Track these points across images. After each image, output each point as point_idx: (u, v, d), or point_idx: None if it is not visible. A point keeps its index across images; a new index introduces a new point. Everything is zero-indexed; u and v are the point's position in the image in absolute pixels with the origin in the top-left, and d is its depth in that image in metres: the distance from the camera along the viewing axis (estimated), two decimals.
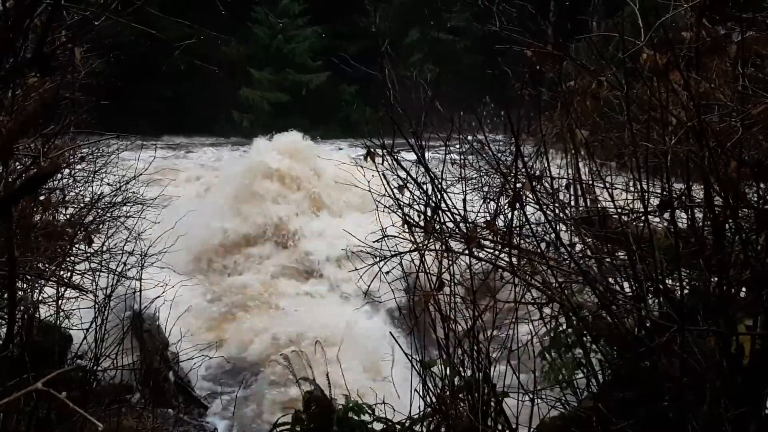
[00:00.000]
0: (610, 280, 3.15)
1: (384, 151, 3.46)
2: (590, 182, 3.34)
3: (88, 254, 4.63)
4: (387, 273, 3.45)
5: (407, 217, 3.40)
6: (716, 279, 2.72)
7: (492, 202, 3.49)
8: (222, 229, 9.30)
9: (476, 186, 3.78)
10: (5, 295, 3.89)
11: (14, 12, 2.34)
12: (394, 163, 3.48)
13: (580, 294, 3.24)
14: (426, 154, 3.45)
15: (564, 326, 3.37)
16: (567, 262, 3.13)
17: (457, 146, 3.71)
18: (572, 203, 3.44)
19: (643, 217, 2.85)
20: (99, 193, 4.86)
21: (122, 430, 3.99)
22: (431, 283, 3.43)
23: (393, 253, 3.42)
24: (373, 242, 3.50)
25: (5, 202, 2.38)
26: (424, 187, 3.39)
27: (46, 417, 3.15)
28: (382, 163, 3.51)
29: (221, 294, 8.16)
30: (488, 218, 3.32)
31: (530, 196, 3.10)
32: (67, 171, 4.83)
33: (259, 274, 8.79)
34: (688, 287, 2.91)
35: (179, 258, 8.64)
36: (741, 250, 2.66)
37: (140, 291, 4.46)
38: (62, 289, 4.20)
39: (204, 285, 8.38)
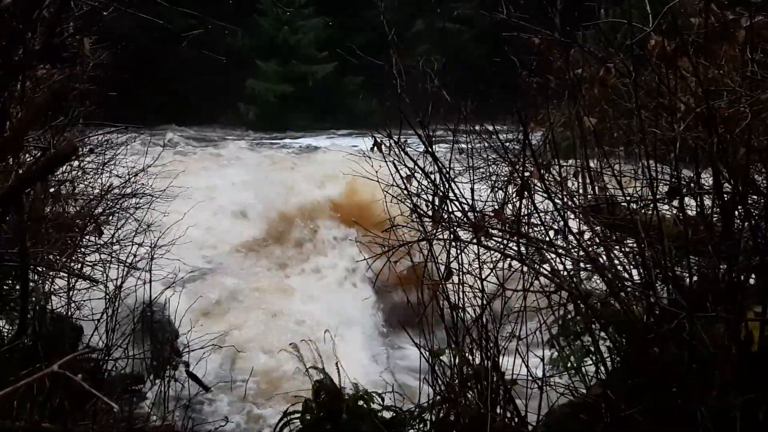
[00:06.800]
0: (619, 267, 3.15)
1: (391, 141, 3.47)
2: (598, 170, 3.33)
3: (99, 246, 4.66)
4: (395, 262, 3.46)
5: (415, 207, 3.41)
6: (725, 266, 2.72)
7: (500, 191, 3.49)
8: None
9: (484, 175, 3.78)
10: (17, 287, 3.93)
11: (23, 3, 2.36)
12: (402, 153, 3.48)
13: (589, 282, 3.25)
14: (433, 144, 3.45)
15: (573, 314, 3.37)
16: (575, 250, 3.13)
17: (465, 136, 3.71)
18: (581, 191, 3.44)
19: (651, 205, 2.85)
20: (108, 184, 4.88)
21: (134, 418, 4.03)
22: (440, 273, 3.44)
23: (401, 242, 3.43)
24: (382, 232, 3.51)
25: (25, 183, 2.40)
26: (432, 176, 3.40)
27: (59, 405, 3.18)
28: (390, 154, 3.51)
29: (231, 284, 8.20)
30: (496, 207, 3.32)
31: (538, 184, 3.10)
32: (76, 163, 4.85)
33: (269, 265, 8.84)
34: (697, 274, 2.91)
35: None
36: (750, 236, 2.66)
37: (150, 282, 4.48)
38: (73, 280, 4.22)
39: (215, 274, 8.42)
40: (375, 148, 3.55)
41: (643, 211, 3.02)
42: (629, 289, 3.00)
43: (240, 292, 7.85)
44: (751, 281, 2.83)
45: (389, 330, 6.95)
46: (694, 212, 2.95)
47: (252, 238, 9.31)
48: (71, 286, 4.19)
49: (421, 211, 3.38)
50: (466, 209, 3.28)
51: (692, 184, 2.89)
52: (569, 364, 3.40)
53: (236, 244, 9.19)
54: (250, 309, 7.41)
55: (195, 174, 9.60)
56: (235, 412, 5.70)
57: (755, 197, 2.81)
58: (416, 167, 3.44)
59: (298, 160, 12.51)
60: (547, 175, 3.14)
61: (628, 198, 3.09)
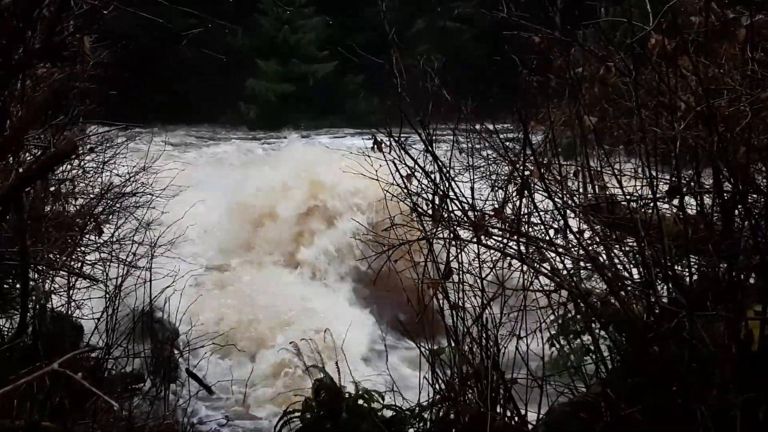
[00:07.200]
0: (619, 266, 3.15)
1: (392, 140, 3.47)
2: (599, 169, 3.33)
3: (99, 245, 4.66)
4: (395, 261, 3.46)
5: (416, 206, 3.41)
6: (725, 265, 2.71)
7: (500, 190, 3.49)
8: None
9: (484, 174, 3.78)
10: (18, 285, 3.92)
11: (23, 2, 2.36)
12: (402, 152, 3.48)
13: (589, 281, 3.24)
14: (434, 143, 3.45)
15: (573, 313, 3.37)
16: (576, 249, 3.13)
17: (465, 135, 3.71)
18: (581, 190, 3.44)
19: (651, 204, 2.85)
20: (108, 183, 4.89)
21: (134, 417, 4.03)
22: (440, 272, 3.44)
23: (401, 241, 3.43)
24: (382, 231, 3.51)
25: (26, 182, 2.40)
26: (432, 175, 3.40)
27: (59, 404, 3.18)
28: (390, 153, 3.51)
29: (232, 282, 8.21)
30: (496, 206, 3.32)
31: (539, 183, 3.10)
32: (76, 162, 4.85)
33: (269, 265, 8.84)
34: (697, 273, 2.91)
35: None
36: (750, 235, 2.66)
37: (150, 280, 4.49)
38: (73, 279, 4.23)
39: (216, 274, 8.43)
40: (375, 147, 3.55)
41: (643, 210, 3.02)
42: (629, 288, 3.00)
43: (237, 290, 7.86)
44: (751, 280, 2.83)
45: (389, 329, 6.94)
46: (694, 211, 2.95)
47: (246, 234, 9.31)
48: (71, 285, 4.19)
49: (421, 210, 3.38)
50: (467, 208, 3.28)
51: (692, 183, 2.89)
52: (569, 363, 3.40)
53: (230, 240, 9.20)
54: (249, 307, 7.41)
55: (188, 171, 9.59)
56: (235, 410, 5.70)
57: (755, 196, 2.81)
58: (416, 166, 3.44)
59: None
60: (547, 174, 3.14)
61: (628, 197, 3.09)
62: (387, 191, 3.53)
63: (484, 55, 18.88)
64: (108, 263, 4.55)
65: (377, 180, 3.51)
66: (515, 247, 3.14)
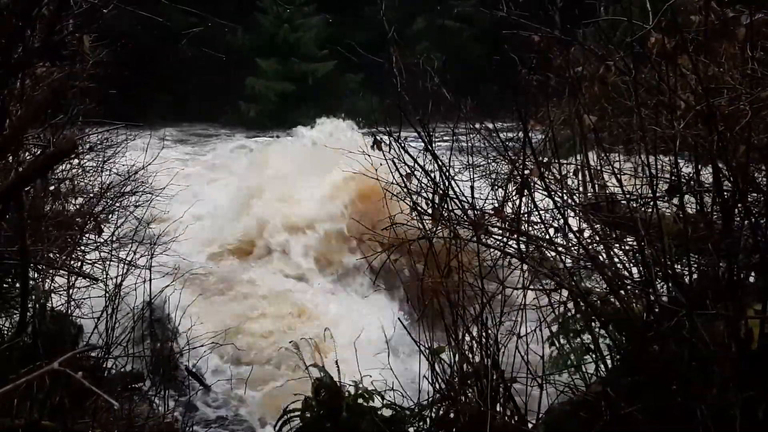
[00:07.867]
0: (619, 265, 3.15)
1: (391, 139, 3.47)
2: (598, 168, 3.33)
3: (98, 244, 4.66)
4: (395, 260, 3.46)
5: (415, 205, 3.41)
6: (725, 263, 2.72)
7: (500, 189, 3.49)
8: None
9: (484, 173, 3.78)
10: (17, 285, 3.93)
11: (22, 1, 2.36)
12: (402, 151, 3.48)
13: (589, 279, 3.24)
14: (433, 142, 3.45)
15: (572, 312, 3.37)
16: (575, 248, 3.13)
17: (465, 133, 3.71)
18: (581, 189, 3.44)
19: (651, 203, 2.85)
20: (108, 182, 4.89)
21: (134, 416, 4.03)
22: (440, 270, 3.44)
23: (401, 240, 3.43)
24: (382, 230, 3.51)
25: (25, 181, 2.40)
26: (432, 174, 3.40)
27: (59, 403, 3.19)
28: (389, 152, 3.51)
29: (232, 281, 8.21)
30: (496, 205, 3.32)
31: (538, 182, 3.10)
32: (76, 161, 4.85)
33: (268, 263, 8.84)
34: (696, 272, 2.92)
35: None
36: (750, 234, 2.66)
37: (150, 280, 4.48)
38: (73, 279, 4.23)
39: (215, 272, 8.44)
40: (375, 147, 3.55)
41: (643, 208, 3.02)
42: (629, 287, 3.00)
43: (237, 289, 7.87)
44: (751, 279, 2.83)
45: (389, 328, 6.95)
46: (694, 210, 2.95)
47: (242, 232, 9.33)
48: (71, 284, 4.19)
49: (421, 209, 3.38)
50: (466, 207, 3.28)
51: (692, 182, 2.89)
52: (569, 362, 3.40)
53: (230, 239, 9.22)
54: (249, 306, 7.42)
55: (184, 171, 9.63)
56: (234, 409, 5.70)
57: (755, 195, 2.81)
58: (416, 165, 3.44)
59: None
60: (547, 172, 3.14)
61: (628, 196, 3.09)
62: (387, 190, 3.53)
63: (483, 54, 18.90)
64: (108, 262, 4.54)
65: (377, 179, 3.51)
66: (515, 246, 3.14)
